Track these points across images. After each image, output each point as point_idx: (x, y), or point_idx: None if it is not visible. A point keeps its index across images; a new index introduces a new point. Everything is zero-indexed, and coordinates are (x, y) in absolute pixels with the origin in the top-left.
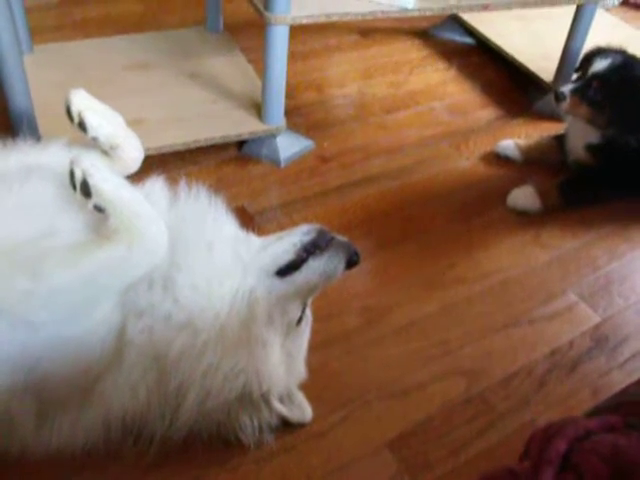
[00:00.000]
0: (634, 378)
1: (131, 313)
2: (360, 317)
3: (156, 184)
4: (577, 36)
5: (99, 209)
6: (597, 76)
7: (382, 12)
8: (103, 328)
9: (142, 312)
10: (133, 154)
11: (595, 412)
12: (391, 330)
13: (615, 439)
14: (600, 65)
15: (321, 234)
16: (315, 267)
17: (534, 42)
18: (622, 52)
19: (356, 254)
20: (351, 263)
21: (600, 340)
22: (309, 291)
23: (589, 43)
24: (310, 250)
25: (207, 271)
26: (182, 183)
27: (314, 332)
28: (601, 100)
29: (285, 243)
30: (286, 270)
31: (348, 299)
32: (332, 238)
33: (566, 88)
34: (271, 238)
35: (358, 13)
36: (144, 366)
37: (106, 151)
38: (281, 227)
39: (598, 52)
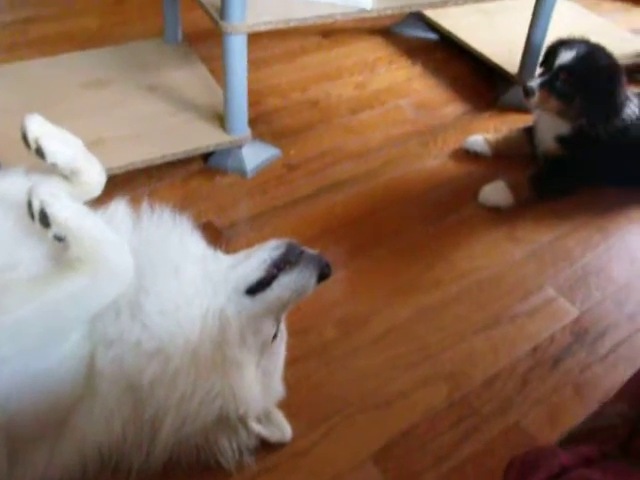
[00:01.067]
0: (616, 370)
1: (100, 343)
2: (337, 328)
3: (119, 207)
4: (539, 26)
5: (59, 239)
6: (563, 67)
7: (341, 14)
8: (72, 360)
9: (111, 341)
10: (95, 178)
11: (570, 438)
12: (369, 339)
13: (590, 475)
14: (565, 56)
15: (290, 248)
16: (286, 283)
17: (497, 35)
18: (586, 42)
19: (327, 266)
20: (323, 276)
21: (580, 334)
22: (282, 307)
23: (552, 33)
24: (280, 266)
25: (175, 294)
26: (144, 204)
27: (290, 347)
28: (569, 92)
29: (254, 260)
30: (257, 288)
31: (324, 310)
32: (302, 252)
33: (534, 82)
34: (240, 255)
35: (317, 17)
36: (117, 396)
37: (67, 176)
38: (251, 240)
39: (562, 44)
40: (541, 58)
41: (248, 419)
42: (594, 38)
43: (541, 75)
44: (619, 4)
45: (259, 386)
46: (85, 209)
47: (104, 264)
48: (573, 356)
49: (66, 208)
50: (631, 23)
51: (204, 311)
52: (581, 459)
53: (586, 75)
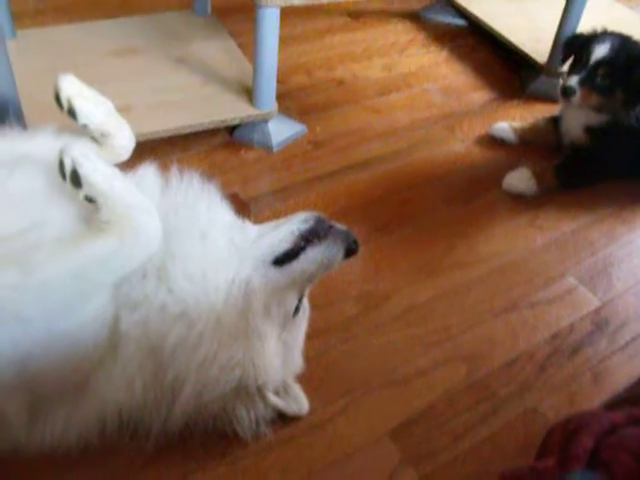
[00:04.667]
0: (635, 362)
1: (125, 305)
2: (358, 304)
3: (148, 171)
4: (571, 17)
5: (90, 200)
6: (602, 62)
7: None
8: (96, 322)
9: (136, 304)
10: (124, 142)
11: (613, 404)
12: (390, 317)
13: None
14: (601, 50)
15: (320, 222)
16: (313, 256)
17: (527, 23)
18: (613, 34)
19: (355, 242)
20: (350, 252)
21: (600, 324)
22: (307, 280)
23: (583, 24)
24: (308, 238)
25: (202, 261)
26: (174, 170)
27: (311, 321)
28: (610, 86)
29: (283, 231)
30: (283, 259)
31: (345, 286)
32: (331, 226)
33: (573, 81)
34: (268, 226)
35: None
36: (139, 359)
37: (96, 139)
38: (275, 214)
39: (590, 38)
40: (562, 53)
41: (266, 390)
42: (624, 30)
43: (573, 72)
44: None
45: (279, 358)
46: (117, 171)
47: (133, 228)
48: (592, 345)
49: (98, 169)
50: None
51: (230, 279)
52: (632, 419)
53: (625, 67)
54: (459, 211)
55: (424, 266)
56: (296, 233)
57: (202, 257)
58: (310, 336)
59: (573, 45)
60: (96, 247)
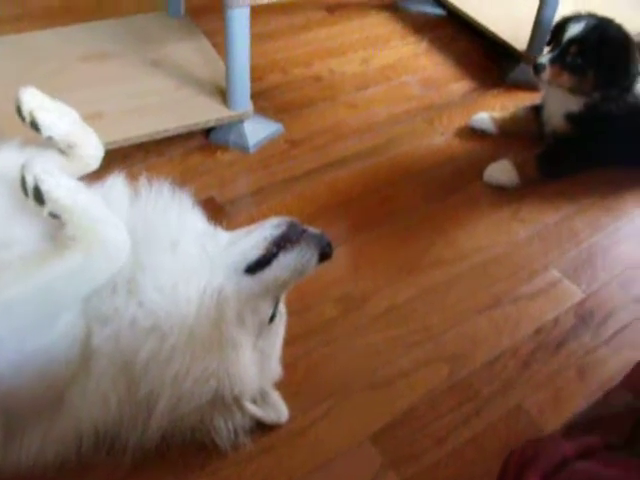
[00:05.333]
0: (620, 355)
1: (95, 320)
2: (337, 306)
3: (116, 181)
4: (549, 3)
5: (54, 216)
6: (574, 40)
7: None
8: (67, 339)
9: (107, 318)
10: (92, 151)
11: (573, 426)
12: (370, 318)
13: (593, 469)
14: (575, 29)
15: (292, 227)
16: (286, 262)
17: (506, 11)
18: (594, 15)
19: (329, 246)
20: (324, 256)
21: (585, 316)
22: (281, 287)
23: (561, 10)
24: (280, 244)
25: (172, 271)
26: (143, 179)
27: (290, 325)
28: (582, 65)
29: (254, 238)
30: (256, 266)
31: (324, 288)
32: (304, 230)
33: (544, 58)
34: (240, 233)
35: None
36: (113, 374)
37: (63, 150)
38: (252, 216)
39: (569, 19)
40: (548, 37)
41: (243, 400)
42: (605, 14)
43: (550, 51)
44: None
45: (255, 367)
46: (80, 185)
47: (99, 243)
48: (577, 339)
49: (61, 185)
50: None
51: (202, 289)
52: (584, 449)
53: (598, 46)
54: (439, 206)
55: (404, 264)
56: (268, 239)
57: (172, 268)
58: (288, 341)
59: (558, 28)
60: (62, 264)
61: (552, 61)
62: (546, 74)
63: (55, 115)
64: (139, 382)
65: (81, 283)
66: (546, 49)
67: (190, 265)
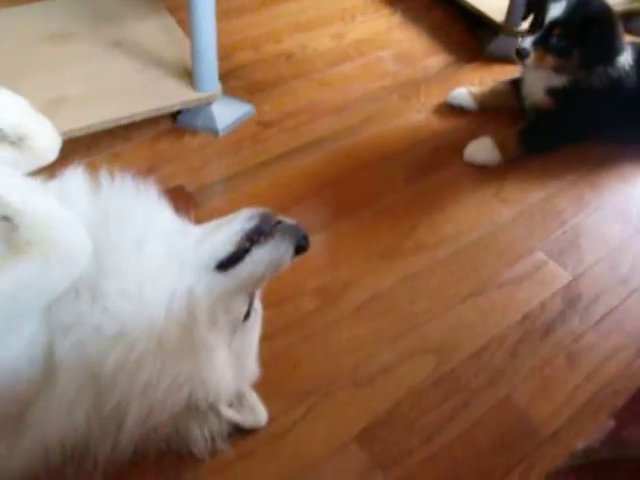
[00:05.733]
0: (609, 340)
1: (58, 329)
2: (316, 298)
3: (75, 175)
4: None
5: (6, 219)
6: (557, 22)
7: None
8: (28, 350)
9: (70, 326)
10: (46, 142)
11: (583, 467)
12: (351, 309)
13: None
14: (556, 10)
15: (265, 219)
16: (260, 257)
17: None
18: None
19: (305, 238)
20: (300, 248)
21: (572, 300)
22: (255, 283)
23: None
24: (253, 238)
25: (138, 273)
26: (103, 171)
27: (266, 320)
28: (566, 46)
29: (225, 232)
30: (228, 263)
31: (301, 279)
32: (278, 222)
33: (527, 43)
34: (210, 226)
35: None
36: (78, 386)
37: (14, 142)
38: (225, 204)
39: None
40: (523, 10)
41: (219, 405)
42: None
43: (530, 32)
44: None
45: (231, 369)
46: (33, 184)
47: (57, 246)
48: (565, 324)
49: (10, 186)
50: None
51: (170, 290)
52: None
53: (582, 26)
54: (420, 188)
55: (385, 251)
56: (240, 233)
57: (138, 269)
58: (266, 337)
59: (533, 2)
60: (17, 271)
61: (535, 44)
62: (530, 59)
63: (2, 105)
64: (107, 393)
65: (40, 291)
66: (524, 24)
67: (157, 265)
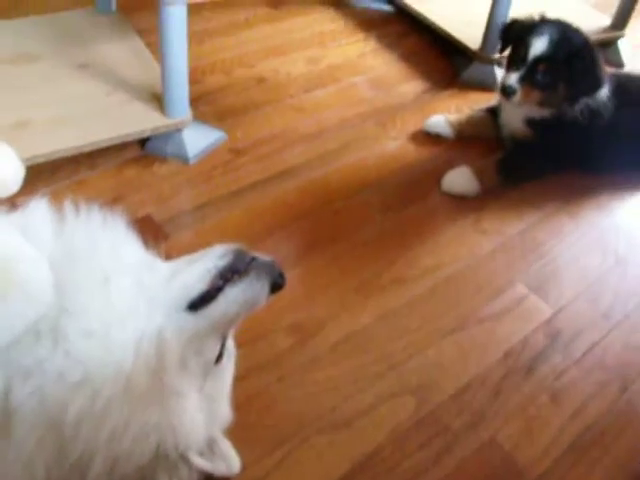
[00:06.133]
0: (592, 376)
1: (16, 374)
2: (291, 336)
3: (39, 206)
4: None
5: None
6: (541, 59)
7: None
8: None
9: (29, 372)
10: (9, 174)
11: None
12: (327, 348)
13: None
14: (539, 45)
15: (239, 256)
16: (234, 296)
17: (457, 7)
18: (552, 22)
19: (281, 276)
20: (276, 287)
21: (554, 336)
22: (229, 323)
23: (515, 6)
24: (227, 276)
25: (104, 313)
26: (68, 201)
27: (239, 358)
28: (552, 81)
29: (197, 270)
30: (200, 302)
31: (275, 316)
32: (252, 259)
33: (512, 80)
34: (181, 263)
35: None
36: (38, 437)
37: None
38: (195, 236)
39: (525, 28)
40: (499, 42)
41: (189, 453)
42: (556, 12)
43: (513, 68)
44: None
45: (202, 414)
46: None
47: (16, 284)
48: (547, 361)
49: None
50: None
51: (139, 331)
52: None
53: (566, 60)
54: (397, 219)
55: (361, 286)
56: (213, 271)
57: (104, 308)
58: (238, 377)
59: (510, 34)
60: None
61: (521, 81)
62: (517, 96)
63: None
64: (69, 444)
65: None
66: (497, 53)
67: (125, 304)
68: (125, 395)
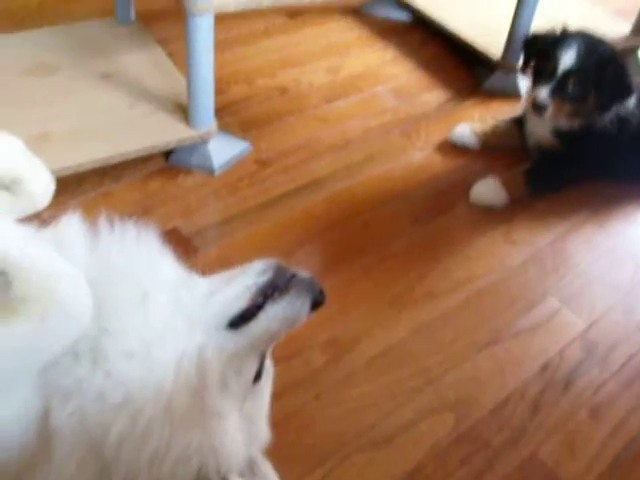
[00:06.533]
0: (631, 389)
1: (55, 395)
2: (326, 352)
3: (72, 221)
4: (526, 6)
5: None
6: (571, 72)
7: None
8: (20, 420)
9: (69, 393)
10: (42, 187)
11: None
12: (362, 363)
13: None
14: (568, 59)
15: (279, 272)
16: (275, 313)
17: (477, 15)
18: (577, 34)
19: (321, 293)
20: (317, 304)
21: (590, 349)
22: (269, 341)
23: (539, 14)
24: (267, 293)
25: (143, 332)
26: (102, 217)
27: (276, 376)
28: (583, 93)
29: (237, 287)
30: (240, 320)
31: (309, 332)
32: (293, 275)
33: (543, 95)
34: (219, 279)
35: None
36: (78, 458)
37: (7, 186)
38: (225, 250)
39: (550, 42)
40: (522, 55)
41: (231, 476)
42: (579, 21)
43: (540, 81)
44: None
45: (242, 435)
46: (29, 233)
47: (55, 303)
48: (585, 375)
49: (5, 236)
50: (615, 3)
51: (179, 350)
52: None
53: (596, 71)
54: (426, 230)
55: (394, 300)
56: (253, 288)
57: (144, 328)
58: (275, 395)
59: (532, 48)
60: (11, 331)
61: (552, 96)
62: (549, 111)
63: None
64: (111, 466)
65: (36, 353)
66: (520, 63)
67: (164, 323)
68: (166, 416)
